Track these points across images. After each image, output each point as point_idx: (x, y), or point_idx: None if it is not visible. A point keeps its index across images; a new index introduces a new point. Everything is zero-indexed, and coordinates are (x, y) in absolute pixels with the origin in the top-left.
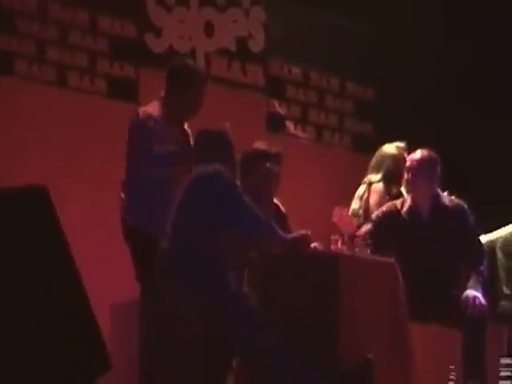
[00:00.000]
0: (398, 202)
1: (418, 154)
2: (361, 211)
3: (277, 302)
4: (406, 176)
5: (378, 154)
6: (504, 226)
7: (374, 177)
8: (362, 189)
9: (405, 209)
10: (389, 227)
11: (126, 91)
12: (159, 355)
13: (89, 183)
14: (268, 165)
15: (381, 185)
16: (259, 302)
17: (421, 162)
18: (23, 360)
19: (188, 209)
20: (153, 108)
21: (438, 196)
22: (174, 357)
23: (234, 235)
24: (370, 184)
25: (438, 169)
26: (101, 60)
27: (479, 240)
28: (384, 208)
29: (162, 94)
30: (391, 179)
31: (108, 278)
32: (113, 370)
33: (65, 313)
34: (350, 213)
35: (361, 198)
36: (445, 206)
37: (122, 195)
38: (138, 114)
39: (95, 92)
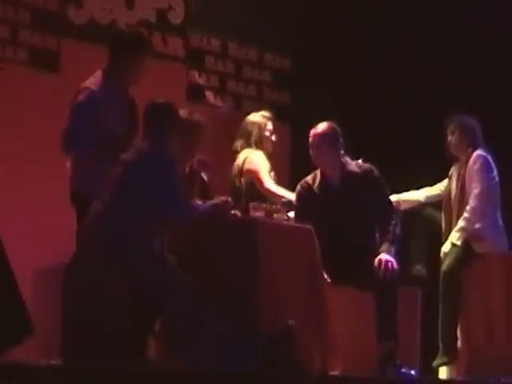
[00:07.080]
0: (309, 178)
1: (318, 128)
2: (243, 187)
3: (197, 267)
4: (310, 151)
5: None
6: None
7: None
8: (240, 162)
9: (316, 183)
10: (305, 206)
11: (47, 62)
12: (83, 314)
13: (11, 150)
14: None
15: (259, 155)
16: (180, 266)
17: (322, 135)
18: None
19: (127, 183)
20: (97, 82)
21: (345, 164)
22: (97, 316)
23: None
24: (245, 157)
25: (340, 139)
26: (23, 31)
27: (389, 200)
28: (297, 188)
29: (106, 66)
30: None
31: (31, 244)
32: (35, 335)
33: None
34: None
35: (240, 172)
36: (353, 173)
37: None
38: (85, 89)
39: (17, 62)
